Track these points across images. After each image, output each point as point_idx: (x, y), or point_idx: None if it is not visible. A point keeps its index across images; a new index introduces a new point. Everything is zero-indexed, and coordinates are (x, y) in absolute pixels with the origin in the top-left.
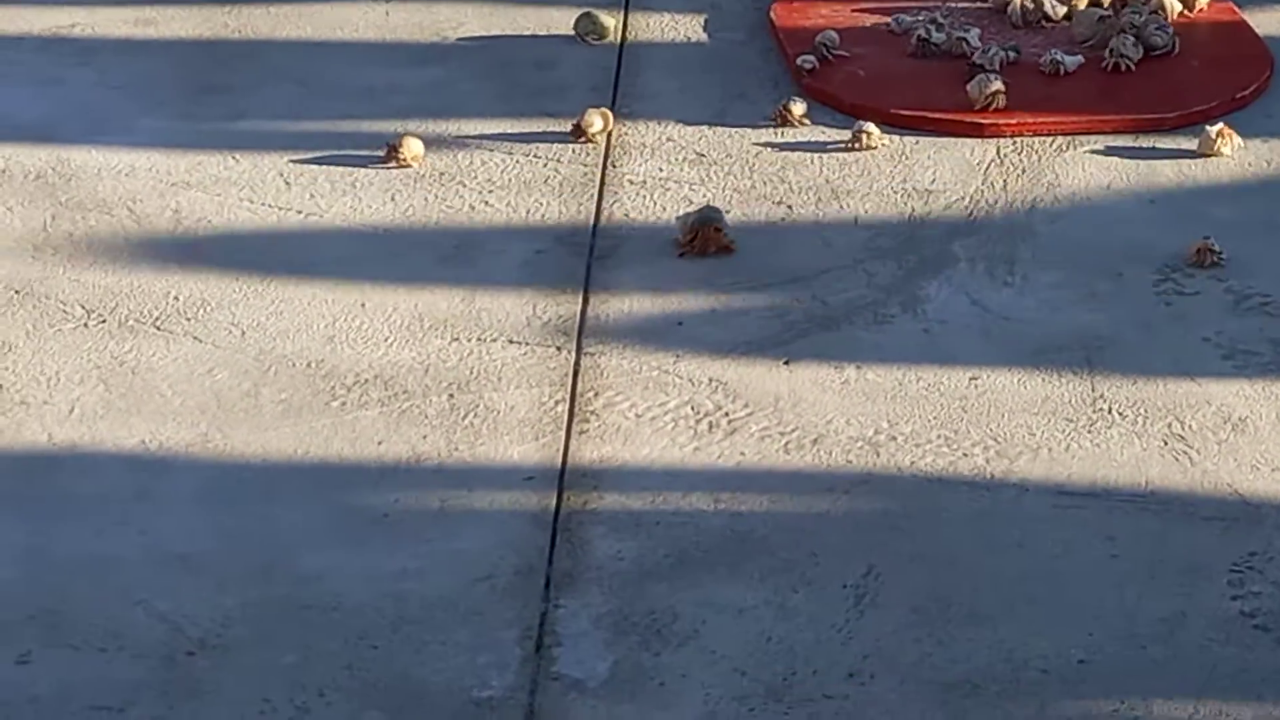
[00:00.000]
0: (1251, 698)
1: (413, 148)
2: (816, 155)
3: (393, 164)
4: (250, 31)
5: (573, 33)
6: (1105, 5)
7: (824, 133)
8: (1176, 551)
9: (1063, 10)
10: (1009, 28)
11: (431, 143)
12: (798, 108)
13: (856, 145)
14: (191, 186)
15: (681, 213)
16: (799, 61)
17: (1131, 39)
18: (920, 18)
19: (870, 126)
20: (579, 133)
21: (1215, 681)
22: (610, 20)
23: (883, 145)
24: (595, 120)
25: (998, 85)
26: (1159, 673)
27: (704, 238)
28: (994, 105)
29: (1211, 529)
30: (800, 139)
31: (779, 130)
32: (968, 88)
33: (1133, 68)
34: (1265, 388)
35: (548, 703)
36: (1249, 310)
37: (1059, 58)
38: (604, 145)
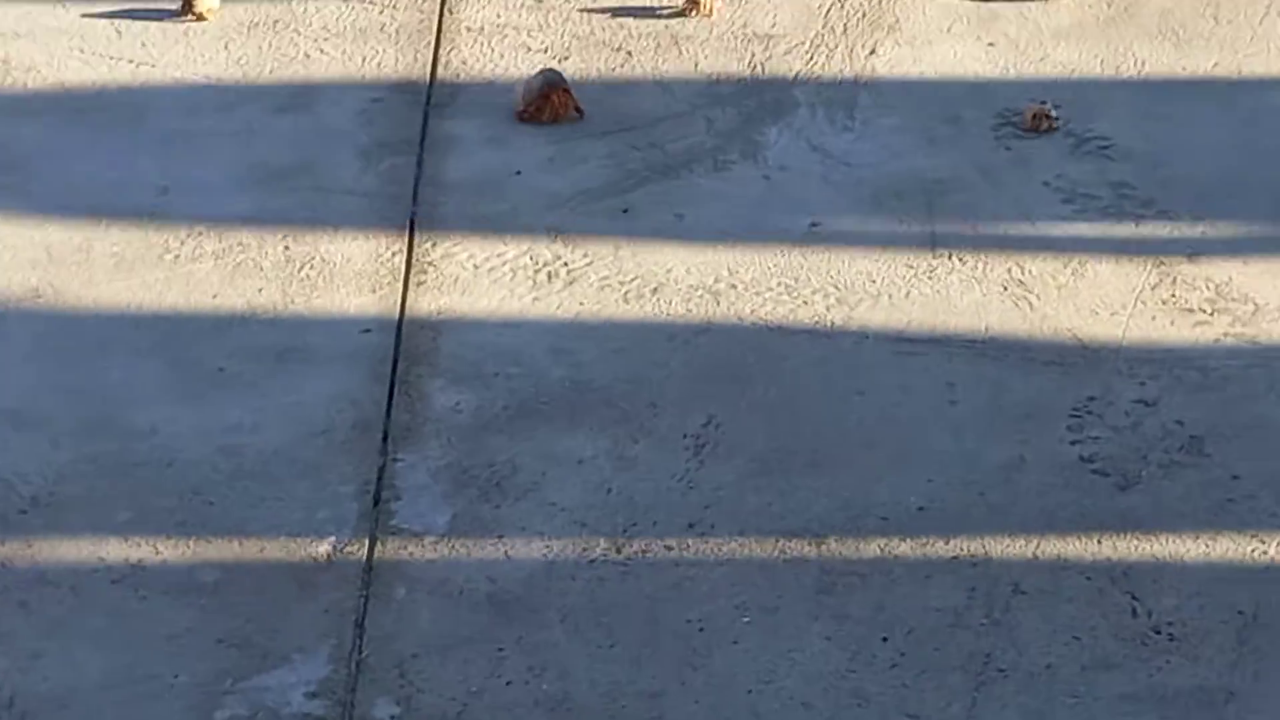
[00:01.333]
0: (1090, 541)
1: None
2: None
3: (189, 17)
4: None
5: None
6: None
7: None
8: (1015, 397)
9: None
10: None
11: None
12: None
13: (691, 10)
14: (21, 36)
15: (522, 77)
16: None
17: None
18: None
19: None
20: None
21: (1054, 526)
22: None
23: (717, 9)
24: None
25: None
26: (998, 518)
27: (553, 104)
28: None
29: (1050, 374)
30: None
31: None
32: None
33: None
34: (1104, 230)
35: (387, 556)
36: (1088, 154)
37: None
38: None
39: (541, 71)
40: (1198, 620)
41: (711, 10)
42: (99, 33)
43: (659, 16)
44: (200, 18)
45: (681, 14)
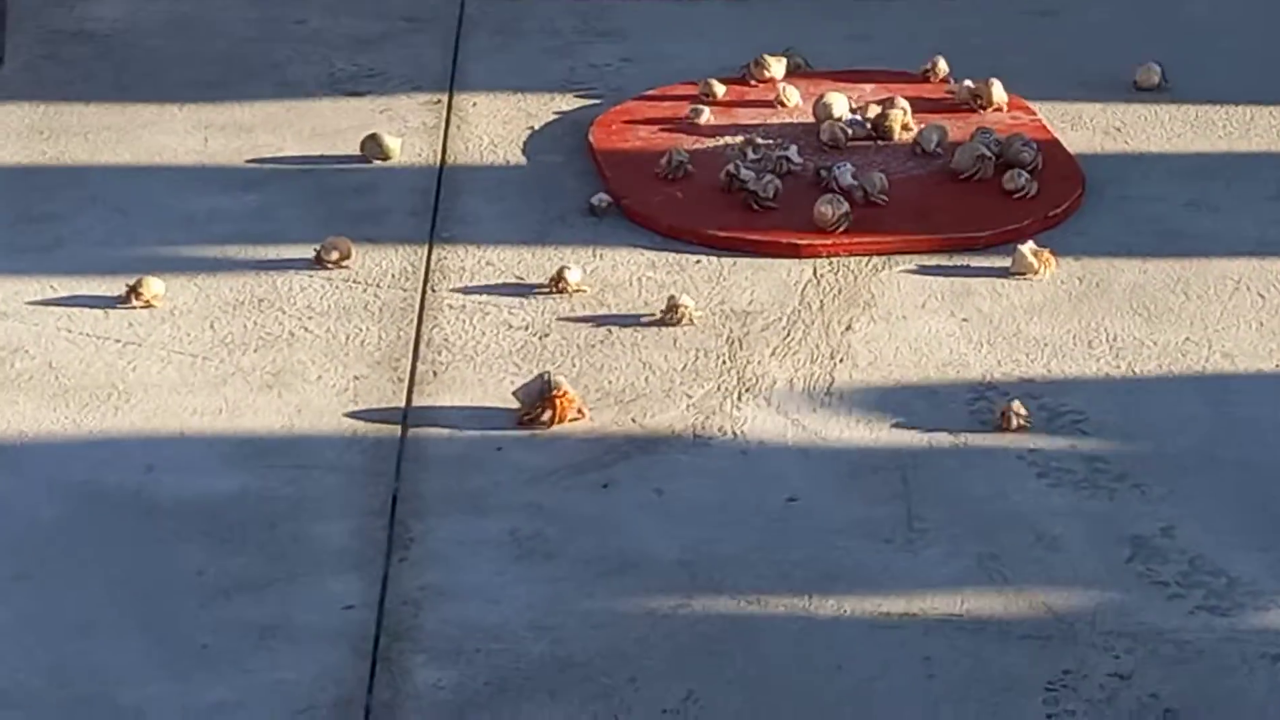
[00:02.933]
0: None
1: (153, 287)
2: (633, 277)
3: (134, 304)
4: (69, 159)
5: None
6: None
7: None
8: (992, 670)
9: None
10: (823, 148)
11: (251, 268)
12: (573, 275)
13: (670, 320)
14: (9, 316)
15: (518, 386)
16: (593, 201)
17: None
18: (733, 148)
19: (686, 300)
20: (319, 261)
21: None
22: (394, 142)
23: (696, 319)
24: (332, 250)
25: (847, 207)
26: None
27: (558, 407)
28: (843, 227)
29: (1026, 647)
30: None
31: (556, 298)
32: (820, 208)
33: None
34: (1077, 504)
35: None
36: (1062, 428)
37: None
38: (424, 269)
39: (539, 375)
40: None
41: (691, 320)
42: (86, 312)
43: (638, 325)
44: (148, 304)
45: (659, 323)
